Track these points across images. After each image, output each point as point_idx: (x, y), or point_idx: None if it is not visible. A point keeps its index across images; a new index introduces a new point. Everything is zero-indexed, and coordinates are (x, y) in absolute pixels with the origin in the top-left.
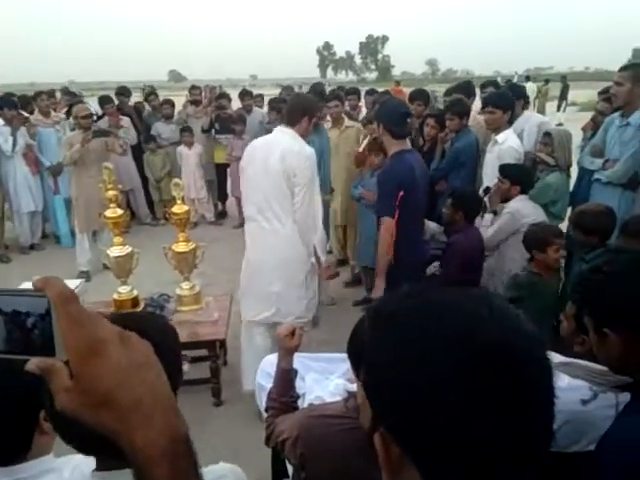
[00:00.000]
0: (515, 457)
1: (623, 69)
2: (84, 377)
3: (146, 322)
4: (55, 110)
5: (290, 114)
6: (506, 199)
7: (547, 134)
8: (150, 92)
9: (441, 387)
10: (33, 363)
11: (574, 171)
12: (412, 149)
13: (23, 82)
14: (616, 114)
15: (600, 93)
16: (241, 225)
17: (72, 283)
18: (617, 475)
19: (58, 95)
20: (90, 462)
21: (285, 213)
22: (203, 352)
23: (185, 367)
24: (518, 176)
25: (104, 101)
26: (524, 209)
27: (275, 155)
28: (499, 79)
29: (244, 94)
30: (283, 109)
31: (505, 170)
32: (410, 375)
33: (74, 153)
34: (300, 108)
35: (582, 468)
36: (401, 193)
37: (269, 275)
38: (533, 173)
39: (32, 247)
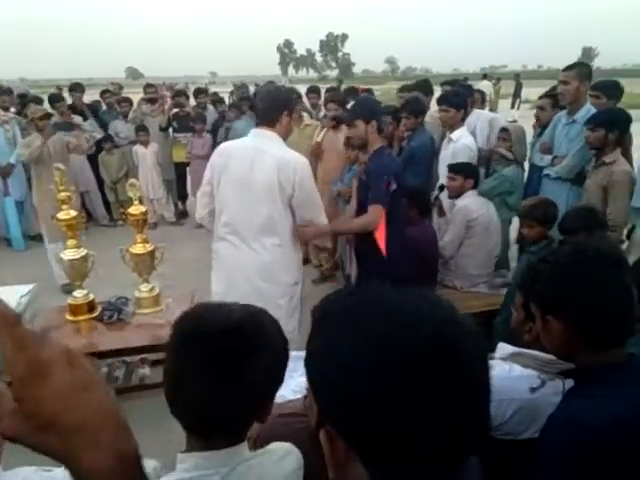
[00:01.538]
0: (452, 447)
1: (569, 68)
2: (28, 400)
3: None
4: (4, 109)
5: (269, 112)
6: (459, 195)
7: (505, 130)
8: (105, 90)
9: (373, 382)
10: None
11: (526, 165)
12: None
13: None
14: (563, 112)
15: (546, 95)
16: (202, 225)
17: (23, 289)
18: (559, 454)
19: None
20: (39, 474)
21: (270, 235)
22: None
23: (146, 370)
24: (469, 172)
25: (54, 99)
26: (472, 204)
27: (265, 166)
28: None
29: (199, 92)
30: (257, 106)
31: (456, 167)
32: (345, 370)
33: (34, 150)
34: (279, 104)
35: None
36: (391, 184)
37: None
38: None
39: None
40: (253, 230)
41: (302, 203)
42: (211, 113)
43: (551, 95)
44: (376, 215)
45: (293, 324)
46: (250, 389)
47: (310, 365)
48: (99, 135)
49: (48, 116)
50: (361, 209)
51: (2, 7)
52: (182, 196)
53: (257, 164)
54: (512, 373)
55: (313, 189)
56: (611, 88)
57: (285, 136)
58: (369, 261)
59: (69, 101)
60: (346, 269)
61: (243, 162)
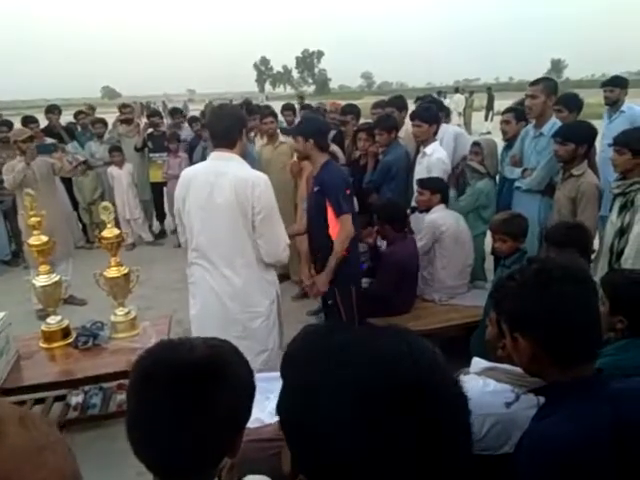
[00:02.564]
0: None
1: (535, 83)
2: None
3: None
4: None
5: (230, 133)
6: (428, 209)
7: (477, 144)
8: (79, 111)
9: (357, 434)
10: None
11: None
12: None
13: None
14: (530, 125)
15: (509, 109)
16: (181, 244)
17: None
18: (531, 474)
19: None
20: None
21: (238, 257)
22: None
23: (124, 396)
24: (436, 186)
25: (28, 120)
26: (439, 219)
27: (224, 188)
28: (435, 94)
29: (174, 112)
30: (214, 128)
31: (423, 183)
32: (328, 421)
33: (18, 174)
34: (238, 123)
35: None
36: (348, 191)
37: (221, 330)
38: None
39: None
40: (221, 254)
41: (262, 219)
42: (187, 131)
43: (514, 109)
44: (349, 224)
45: (272, 342)
46: (214, 427)
47: (285, 410)
48: (82, 158)
49: (31, 138)
50: (316, 224)
51: None
52: (160, 216)
53: (216, 187)
54: (487, 388)
55: (272, 205)
56: (571, 101)
57: (243, 154)
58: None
59: (44, 123)
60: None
61: (203, 187)
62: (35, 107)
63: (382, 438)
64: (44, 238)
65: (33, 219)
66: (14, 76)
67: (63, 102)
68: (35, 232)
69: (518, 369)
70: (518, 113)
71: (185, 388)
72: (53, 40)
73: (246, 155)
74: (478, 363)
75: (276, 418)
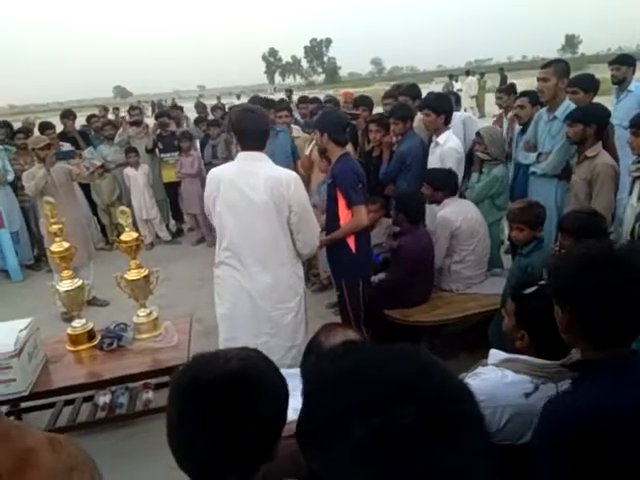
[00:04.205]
0: None
1: (547, 65)
2: None
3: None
4: None
5: (259, 136)
6: (434, 202)
7: (478, 134)
8: (92, 115)
9: (359, 452)
10: None
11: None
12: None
13: None
14: (543, 109)
15: (523, 93)
16: (199, 242)
17: (21, 323)
18: (550, 440)
19: None
20: None
21: (272, 255)
22: (167, 378)
23: (150, 395)
24: (439, 181)
25: (44, 127)
26: (451, 214)
27: (257, 188)
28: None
29: (161, 114)
30: (245, 131)
31: (427, 177)
32: (333, 437)
33: (39, 180)
34: (265, 126)
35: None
36: (360, 185)
37: (252, 328)
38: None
39: None
40: (255, 253)
41: (300, 216)
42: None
43: (529, 93)
44: (362, 215)
45: (301, 338)
46: (253, 437)
47: (304, 434)
48: (98, 162)
49: (49, 146)
50: (328, 215)
51: None
52: (177, 215)
53: (249, 187)
54: (505, 379)
55: (306, 200)
56: (587, 82)
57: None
58: (339, 258)
59: (59, 127)
60: (319, 270)
61: (234, 188)
62: (49, 111)
63: (396, 463)
64: (65, 245)
65: (54, 227)
66: (29, 80)
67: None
68: (57, 239)
69: (537, 360)
70: (533, 97)
71: (223, 401)
72: (65, 42)
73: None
74: (496, 354)
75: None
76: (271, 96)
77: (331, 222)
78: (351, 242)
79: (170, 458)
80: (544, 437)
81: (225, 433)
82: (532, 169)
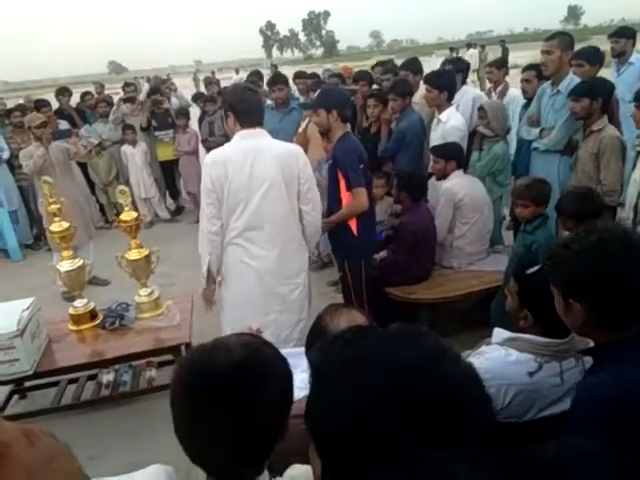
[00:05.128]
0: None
1: (551, 38)
2: None
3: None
4: None
5: (259, 113)
6: (444, 176)
7: (481, 108)
8: (86, 92)
9: (369, 438)
10: None
11: (512, 140)
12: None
13: None
14: (547, 83)
15: (530, 67)
16: (198, 220)
17: (24, 303)
18: (592, 431)
19: None
20: None
21: (283, 231)
22: (170, 356)
23: (153, 373)
24: (450, 153)
25: (40, 105)
26: (455, 186)
27: (266, 164)
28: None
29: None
30: (242, 108)
31: (437, 150)
32: (344, 424)
33: (38, 159)
34: (261, 103)
35: (552, 430)
36: (361, 166)
37: (261, 307)
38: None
39: None
40: (265, 232)
41: (309, 187)
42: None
43: (535, 66)
44: (362, 197)
45: (306, 311)
46: (262, 423)
47: (313, 420)
48: (95, 141)
49: (45, 124)
50: (330, 196)
51: None
52: (174, 194)
53: (258, 164)
54: (509, 358)
55: (312, 175)
56: (592, 54)
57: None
58: (341, 239)
59: (55, 105)
60: (319, 250)
61: (243, 167)
62: (43, 87)
63: (404, 450)
64: (65, 224)
65: (53, 206)
66: (23, 56)
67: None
68: (56, 219)
69: (541, 338)
70: (540, 71)
71: (231, 393)
72: (58, 17)
73: None
74: (500, 333)
75: (304, 393)
76: (265, 71)
77: (333, 204)
78: (353, 224)
79: (173, 435)
80: (590, 419)
81: (236, 424)
82: (534, 145)
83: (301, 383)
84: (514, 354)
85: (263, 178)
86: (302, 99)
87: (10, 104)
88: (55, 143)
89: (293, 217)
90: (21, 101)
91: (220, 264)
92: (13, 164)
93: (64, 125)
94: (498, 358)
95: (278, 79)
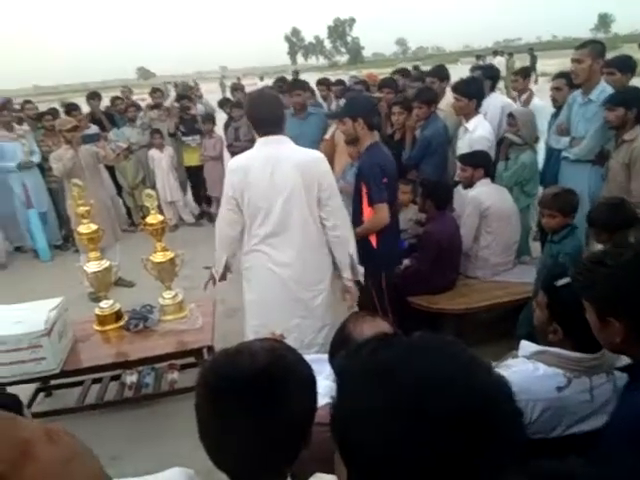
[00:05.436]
0: None
1: (582, 46)
2: None
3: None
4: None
5: (280, 120)
6: (471, 185)
7: (511, 115)
8: (116, 97)
9: (395, 449)
10: None
11: (541, 149)
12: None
13: None
14: (577, 92)
15: (560, 75)
16: None
17: (52, 302)
18: (626, 444)
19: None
20: None
21: (304, 237)
22: (192, 359)
23: (175, 375)
24: (478, 161)
25: (70, 109)
26: (482, 194)
27: (286, 171)
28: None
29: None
30: (262, 116)
31: (464, 158)
32: (380, 440)
33: (68, 161)
34: (278, 110)
35: (590, 447)
36: (385, 180)
37: (284, 313)
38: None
39: None
40: (286, 238)
41: (329, 195)
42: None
43: (565, 74)
44: (384, 213)
45: (330, 318)
46: (287, 428)
47: (338, 428)
48: (124, 145)
49: (76, 128)
50: (354, 207)
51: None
52: (198, 199)
53: (278, 171)
54: (537, 372)
55: (334, 182)
56: (624, 63)
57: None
58: (360, 250)
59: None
60: None
61: (263, 174)
62: (76, 91)
63: (432, 458)
64: (93, 226)
65: (82, 208)
66: (54, 60)
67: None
68: (84, 221)
69: (570, 353)
70: (570, 79)
71: (256, 398)
72: (88, 22)
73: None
74: (527, 346)
75: (326, 400)
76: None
77: (355, 214)
78: (372, 237)
79: (195, 438)
80: (629, 437)
81: (260, 429)
82: (564, 154)
83: (324, 390)
84: (542, 368)
85: (283, 185)
86: (324, 105)
87: (42, 108)
88: (85, 147)
89: (314, 224)
90: (54, 105)
91: (244, 268)
92: (44, 166)
93: (93, 130)
94: (525, 372)
95: (296, 85)
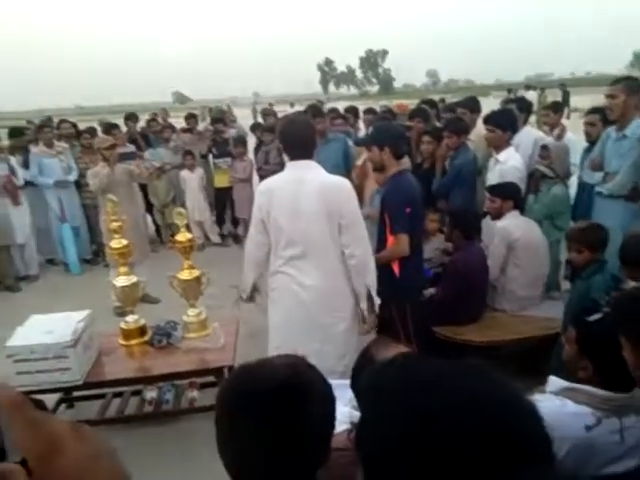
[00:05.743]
0: None
1: (616, 82)
2: (45, 476)
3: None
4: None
5: (310, 146)
6: (500, 216)
7: (544, 147)
8: (152, 118)
9: (426, 467)
10: None
11: (573, 184)
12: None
13: (31, 109)
14: (612, 127)
15: (594, 110)
16: None
17: (79, 315)
18: None
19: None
20: None
21: (326, 263)
22: (212, 378)
23: (195, 394)
24: (507, 192)
25: (110, 128)
26: (510, 225)
27: (310, 195)
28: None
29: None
30: (294, 141)
31: (494, 190)
32: (395, 454)
33: (103, 178)
34: (312, 134)
35: None
36: (408, 210)
37: (305, 337)
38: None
39: (25, 278)
40: (309, 261)
41: (349, 222)
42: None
43: (600, 109)
44: (403, 244)
45: (353, 346)
46: (306, 444)
47: (365, 448)
48: (157, 164)
49: (114, 146)
50: (378, 232)
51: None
52: (220, 221)
53: (302, 195)
54: (565, 409)
55: (357, 208)
56: None
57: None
58: (382, 280)
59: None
60: None
61: (288, 197)
62: (115, 113)
63: (464, 475)
64: (124, 242)
65: (114, 224)
66: (96, 82)
67: (139, 108)
68: (116, 236)
69: (601, 391)
70: (604, 115)
71: (276, 412)
72: (125, 47)
73: None
74: (556, 382)
75: (344, 426)
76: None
77: (379, 242)
78: (395, 266)
79: (212, 455)
80: None
81: (281, 444)
82: (598, 189)
83: (342, 417)
84: (570, 405)
85: (307, 209)
86: (352, 131)
87: (82, 127)
88: (120, 165)
89: (336, 250)
90: (94, 124)
91: (270, 289)
92: (80, 183)
93: (130, 148)
94: (553, 408)
95: (316, 112)
